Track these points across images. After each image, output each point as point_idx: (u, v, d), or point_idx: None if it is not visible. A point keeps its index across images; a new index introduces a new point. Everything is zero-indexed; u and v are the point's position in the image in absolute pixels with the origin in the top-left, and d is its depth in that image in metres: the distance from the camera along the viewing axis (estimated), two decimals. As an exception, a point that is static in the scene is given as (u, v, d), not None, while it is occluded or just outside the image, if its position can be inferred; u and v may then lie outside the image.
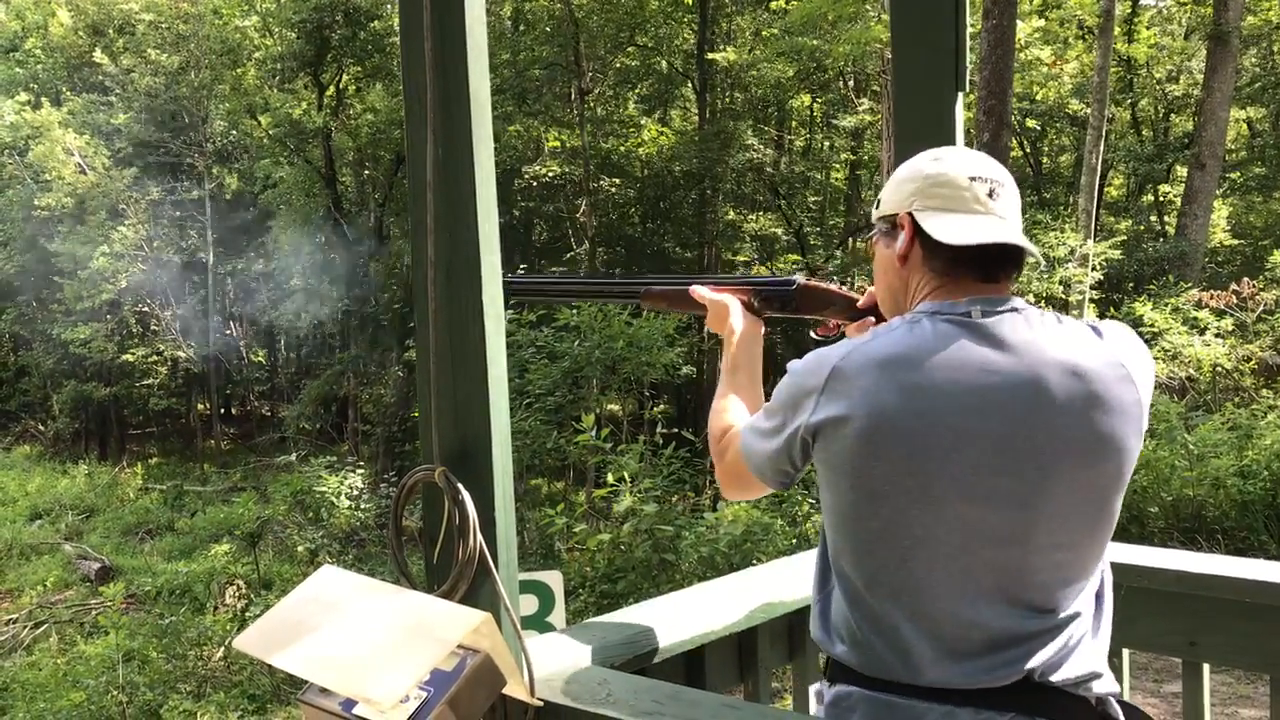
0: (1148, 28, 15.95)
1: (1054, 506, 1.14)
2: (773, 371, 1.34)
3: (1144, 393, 1.18)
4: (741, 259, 17.34)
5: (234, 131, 19.51)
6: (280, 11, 16.78)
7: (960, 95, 1.67)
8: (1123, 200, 17.22)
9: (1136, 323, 9.96)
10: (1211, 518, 6.88)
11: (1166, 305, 9.99)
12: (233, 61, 18.04)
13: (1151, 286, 11.42)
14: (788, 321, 1.65)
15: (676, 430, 8.91)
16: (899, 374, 1.14)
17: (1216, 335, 9.54)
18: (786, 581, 1.82)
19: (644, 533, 6.55)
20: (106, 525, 14.94)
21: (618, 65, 16.99)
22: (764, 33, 16.25)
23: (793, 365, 1.26)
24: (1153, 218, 16.08)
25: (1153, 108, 17.15)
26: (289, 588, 1.34)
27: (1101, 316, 11.02)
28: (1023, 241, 1.22)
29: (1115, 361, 1.16)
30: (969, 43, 1.71)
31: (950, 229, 1.21)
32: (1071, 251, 10.49)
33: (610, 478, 7.02)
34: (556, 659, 1.45)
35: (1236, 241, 16.05)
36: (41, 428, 21.93)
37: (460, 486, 1.35)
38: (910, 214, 1.26)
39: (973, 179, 1.24)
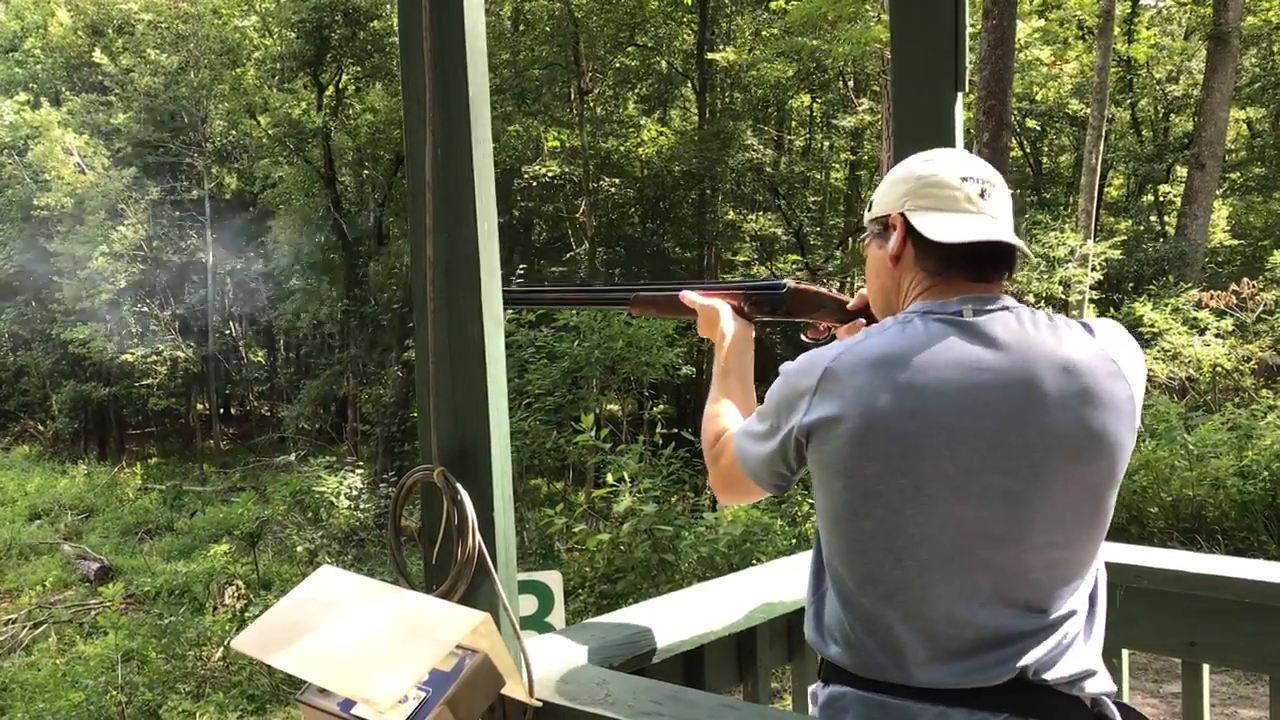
0: (1148, 28, 15.95)
1: (1048, 504, 1.14)
2: (773, 372, 1.34)
3: (1136, 389, 1.19)
4: (741, 259, 17.34)
5: (233, 131, 19.51)
6: (280, 11, 16.78)
7: (960, 95, 1.67)
8: (1123, 200, 17.22)
9: (1136, 323, 9.96)
10: (1211, 518, 6.88)
11: (1166, 305, 9.99)
12: (232, 61, 18.03)
13: (1151, 287, 11.42)
14: (784, 324, 1.65)
15: (676, 430, 8.90)
16: (891, 373, 1.15)
17: (1216, 335, 9.54)
18: (786, 582, 1.81)
19: (643, 533, 6.55)
20: (106, 525, 14.94)
21: (617, 65, 16.99)
22: (764, 33, 16.25)
23: (785, 367, 1.26)
24: (1153, 218, 16.08)
25: (1153, 108, 17.15)
26: (288, 588, 1.34)
27: (1101, 316, 11.02)
28: (1014, 240, 1.23)
29: (1106, 358, 1.17)
30: (969, 43, 1.71)
31: (942, 227, 1.22)
32: (1071, 252, 10.49)
33: (610, 478, 7.02)
34: (555, 659, 1.45)
35: (1236, 242, 16.05)
36: (41, 428, 21.92)
37: (459, 486, 1.35)
38: (902, 214, 1.26)
39: (964, 179, 1.25)
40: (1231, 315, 9.67)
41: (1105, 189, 15.41)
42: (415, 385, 1.45)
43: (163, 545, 13.63)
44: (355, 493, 12.46)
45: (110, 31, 20.00)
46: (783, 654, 1.81)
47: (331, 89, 17.63)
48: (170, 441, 21.89)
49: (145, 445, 21.93)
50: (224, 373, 21.89)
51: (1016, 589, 1.15)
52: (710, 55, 15.91)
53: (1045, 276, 10.31)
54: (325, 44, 16.63)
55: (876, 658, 1.18)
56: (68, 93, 20.94)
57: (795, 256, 16.97)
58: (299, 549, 11.15)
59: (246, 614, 8.51)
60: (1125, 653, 1.85)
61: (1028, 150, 17.51)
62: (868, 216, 1.35)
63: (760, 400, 1.34)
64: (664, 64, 17.22)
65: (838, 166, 18.89)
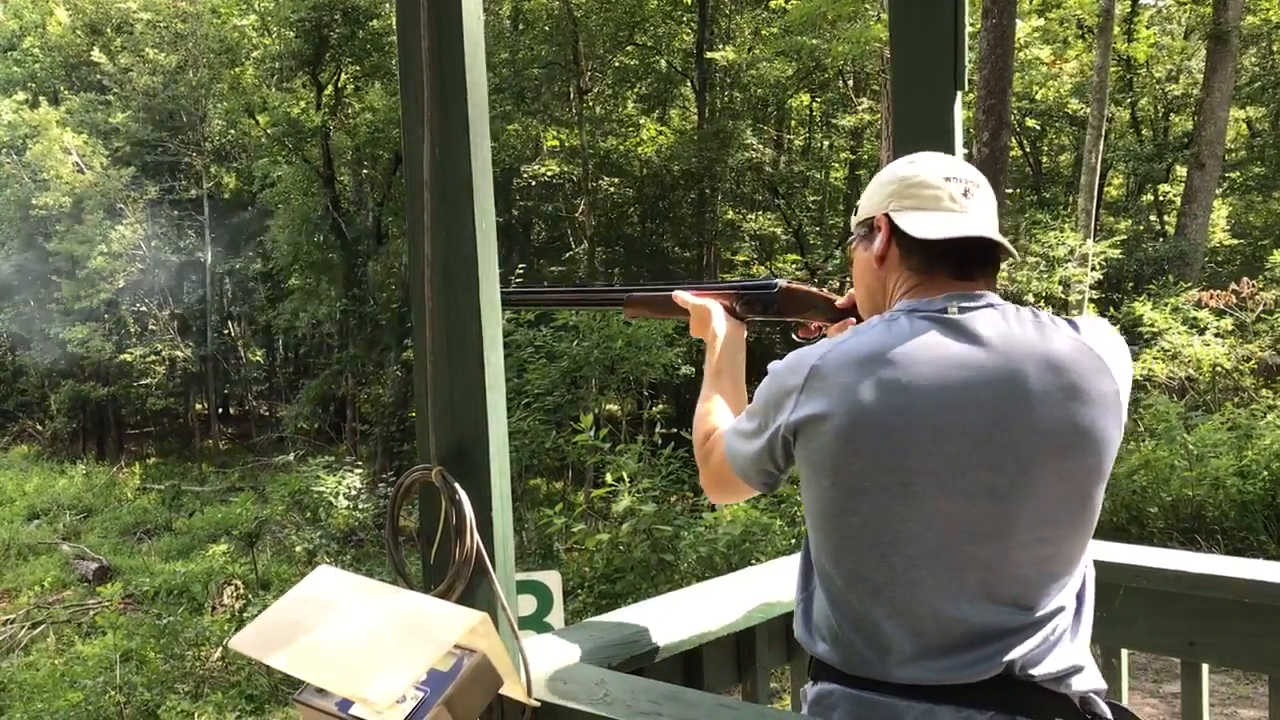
0: (1147, 27, 15.95)
1: (1035, 500, 1.14)
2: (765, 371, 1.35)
3: (1122, 385, 1.19)
4: (741, 258, 17.34)
5: (232, 130, 19.50)
6: (278, 10, 16.76)
7: (959, 94, 1.67)
8: (1122, 200, 17.22)
9: (1136, 322, 9.97)
10: (1211, 518, 6.88)
11: (1166, 305, 10.00)
12: (231, 60, 18.02)
13: (1151, 286, 11.42)
14: (777, 324, 1.65)
15: (675, 430, 8.90)
16: (877, 371, 1.15)
17: (1216, 335, 9.54)
18: (785, 581, 1.81)
19: (642, 533, 6.55)
20: (104, 525, 14.93)
21: (616, 64, 16.99)
22: (763, 32, 16.25)
23: (773, 366, 1.27)
24: (1152, 217, 16.08)
25: (1152, 107, 17.15)
26: (287, 588, 1.34)
27: (1101, 316, 11.02)
28: (997, 237, 1.24)
29: (1092, 354, 1.17)
30: (968, 42, 1.70)
31: (924, 225, 1.23)
32: (1071, 251, 10.50)
33: (609, 478, 7.01)
34: (554, 659, 1.44)
35: (1236, 241, 16.06)
36: (39, 427, 21.91)
37: (457, 486, 1.35)
38: (887, 215, 1.28)
39: (947, 179, 1.26)
40: (1231, 315, 9.67)
41: (1105, 188, 15.41)
42: (413, 385, 1.45)
43: (161, 545, 13.62)
44: (354, 493, 12.46)
45: (109, 30, 20.00)
46: (781, 654, 1.80)
47: (330, 88, 17.62)
48: (169, 441, 21.89)
49: (144, 445, 21.92)
50: (223, 372, 21.89)
51: (1004, 585, 1.15)
52: (710, 54, 15.91)
53: (1045, 276, 10.32)
54: (324, 43, 16.62)
55: (863, 654, 1.18)
56: (66, 92, 20.94)
57: (795, 256, 16.97)
58: (298, 549, 11.15)
59: (245, 614, 8.50)
60: (1124, 652, 1.84)
61: (1027, 150, 17.52)
62: (854, 220, 1.37)
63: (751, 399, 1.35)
64: (663, 63, 17.22)
65: (837, 166, 18.90)
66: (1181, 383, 9.56)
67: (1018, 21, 10.61)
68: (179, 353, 19.43)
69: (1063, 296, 10.25)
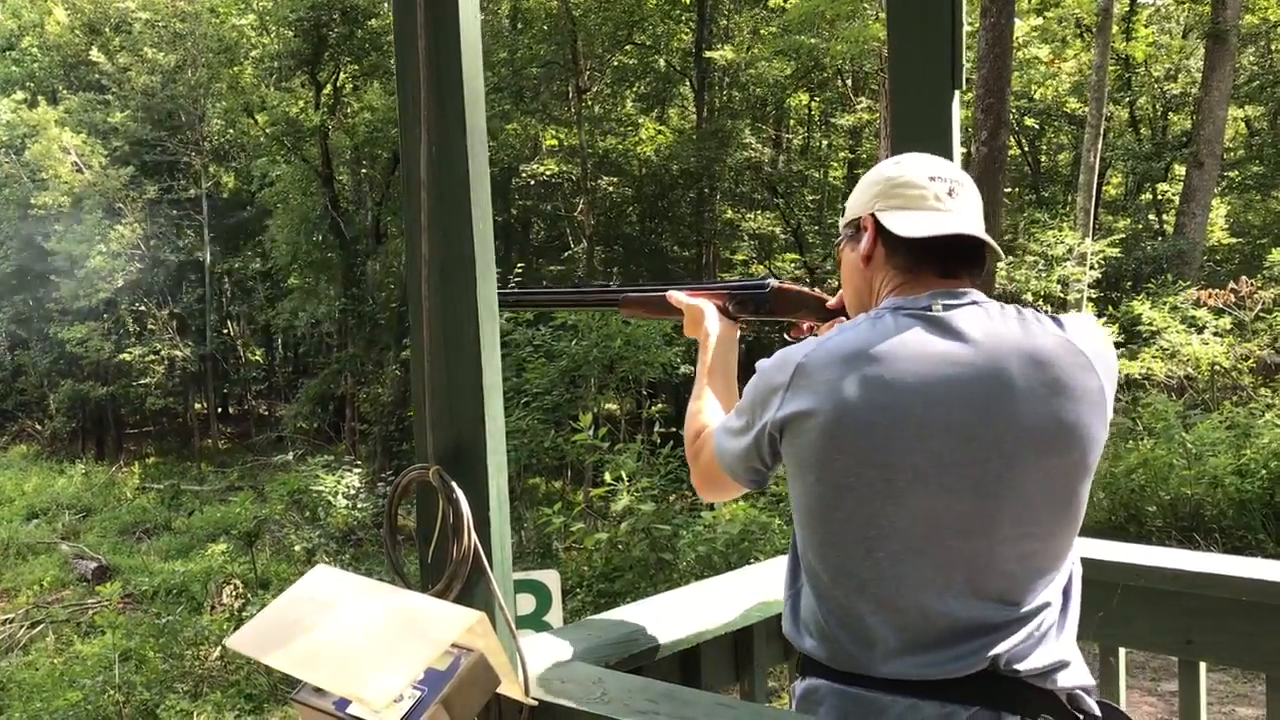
0: (1146, 26, 15.95)
1: (1019, 495, 1.15)
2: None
3: (1107, 381, 1.19)
4: (739, 258, 17.34)
5: (231, 130, 19.48)
6: (277, 10, 16.75)
7: (957, 93, 1.67)
8: (1121, 199, 17.23)
9: (1135, 321, 9.97)
10: (1209, 516, 6.88)
11: (1165, 304, 10.00)
12: (229, 60, 18.00)
13: (1150, 285, 11.42)
14: (769, 323, 1.66)
15: (674, 429, 8.90)
16: (861, 368, 1.16)
17: (1215, 334, 9.54)
18: (782, 581, 1.81)
19: (641, 532, 6.55)
20: (103, 525, 14.93)
21: (615, 64, 16.98)
22: (762, 31, 16.24)
23: (761, 364, 1.28)
24: (1151, 216, 16.09)
25: (1151, 106, 17.16)
26: (286, 587, 1.34)
27: (1100, 315, 11.04)
28: (983, 235, 1.24)
29: (1075, 350, 1.18)
30: (966, 41, 1.70)
31: (909, 224, 1.24)
32: (1070, 250, 10.50)
33: (608, 477, 7.01)
34: (551, 658, 1.44)
35: (1235, 240, 16.06)
36: (38, 427, 21.90)
37: (455, 485, 1.35)
38: (873, 215, 1.29)
39: (931, 178, 1.27)
40: (1230, 313, 9.67)
41: (1103, 187, 15.41)
42: (411, 384, 1.45)
43: (160, 545, 13.62)
44: (353, 492, 12.46)
45: (107, 30, 19.98)
46: (779, 653, 1.80)
47: (329, 87, 17.60)
48: (168, 441, 21.88)
49: (143, 445, 21.91)
50: (222, 372, 21.88)
51: (989, 580, 1.16)
52: (708, 54, 15.90)
53: (1044, 275, 10.32)
54: (323, 42, 16.60)
55: (849, 650, 1.19)
56: (65, 91, 20.92)
57: (793, 255, 16.97)
58: (297, 548, 11.15)
59: (244, 613, 8.51)
60: (1122, 651, 1.84)
61: (1026, 149, 17.52)
62: (842, 221, 1.38)
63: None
64: (662, 62, 17.21)
65: (836, 165, 18.89)
66: (1180, 381, 9.56)
67: (1016, 20, 10.61)
68: (178, 352, 19.42)
69: (1061, 295, 10.26)
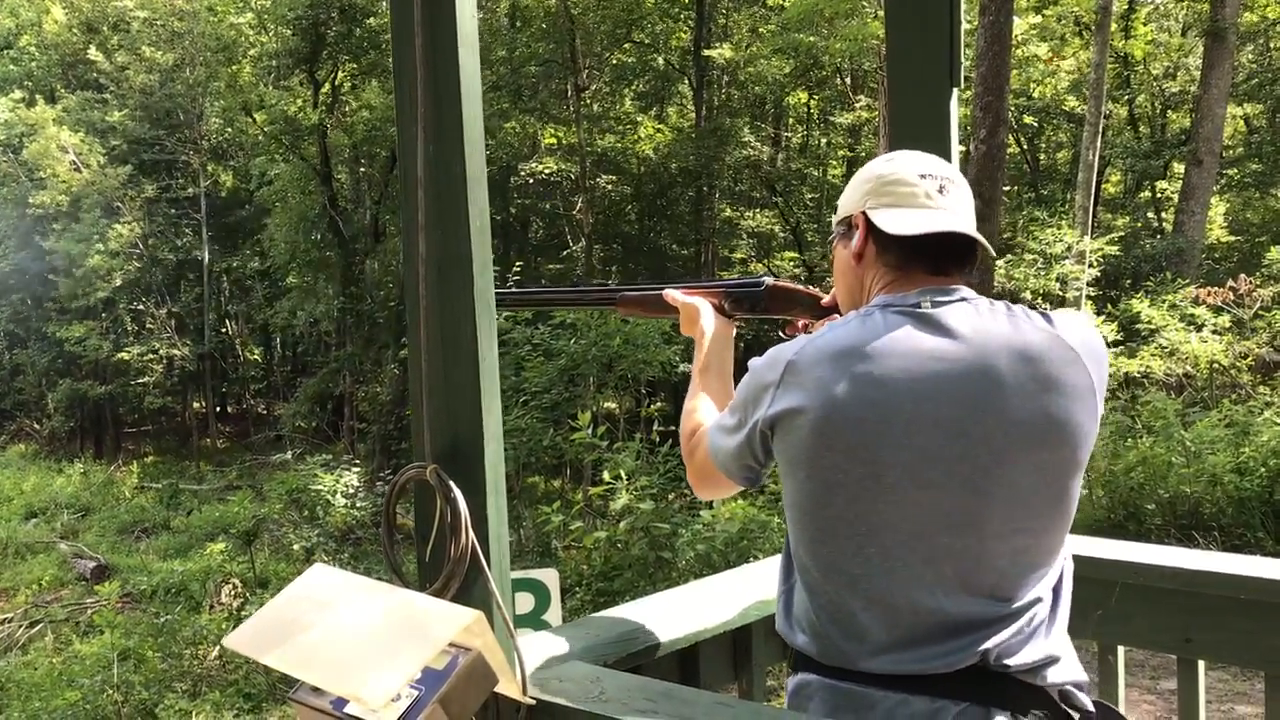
0: (1145, 24, 15.95)
1: (1008, 491, 1.15)
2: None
3: (1096, 376, 1.19)
4: (738, 256, 17.34)
5: (229, 129, 19.47)
6: (275, 8, 16.73)
7: (955, 91, 1.67)
8: (1120, 197, 17.23)
9: (1134, 319, 9.96)
10: (1208, 514, 6.88)
11: (1164, 302, 10.00)
12: (228, 58, 17.98)
13: (1149, 283, 11.42)
14: (764, 320, 1.66)
15: (673, 428, 8.88)
16: (851, 365, 1.17)
17: (1214, 332, 9.54)
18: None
19: (640, 530, 6.54)
20: (102, 524, 14.92)
21: (614, 62, 16.98)
22: (761, 29, 16.24)
23: (753, 362, 1.29)
24: (1150, 214, 16.09)
25: (1150, 104, 17.16)
26: (285, 586, 1.34)
27: (1099, 313, 11.04)
28: (973, 233, 1.25)
29: (1064, 345, 1.18)
30: (965, 38, 1.70)
31: (899, 221, 1.25)
32: (1069, 248, 10.50)
33: (607, 475, 7.01)
34: (549, 656, 1.44)
35: (1234, 238, 16.07)
36: (37, 426, 21.89)
37: (452, 484, 1.35)
38: (864, 213, 1.29)
39: (922, 176, 1.28)
40: (1229, 311, 9.67)
41: (1103, 185, 15.43)
42: (408, 382, 1.45)
43: (159, 544, 13.61)
44: (352, 491, 12.45)
45: (105, 29, 19.96)
46: (778, 652, 1.80)
47: (327, 86, 17.59)
48: (166, 440, 21.87)
49: (141, 444, 21.91)
50: (220, 371, 21.88)
51: (980, 576, 1.16)
52: (707, 52, 15.89)
53: (1042, 273, 10.32)
54: (321, 41, 16.59)
55: (840, 645, 1.20)
56: (63, 90, 20.90)
57: (792, 254, 16.97)
58: (295, 547, 11.14)
59: (243, 612, 8.51)
60: (1121, 649, 1.84)
61: (1025, 147, 17.52)
62: (835, 219, 1.38)
63: None
64: (661, 61, 17.20)
65: (835, 163, 18.89)
66: (1179, 379, 9.57)
67: (1015, 18, 10.61)
68: (176, 351, 19.41)
69: (1060, 294, 10.26)
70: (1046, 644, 1.19)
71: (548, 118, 16.37)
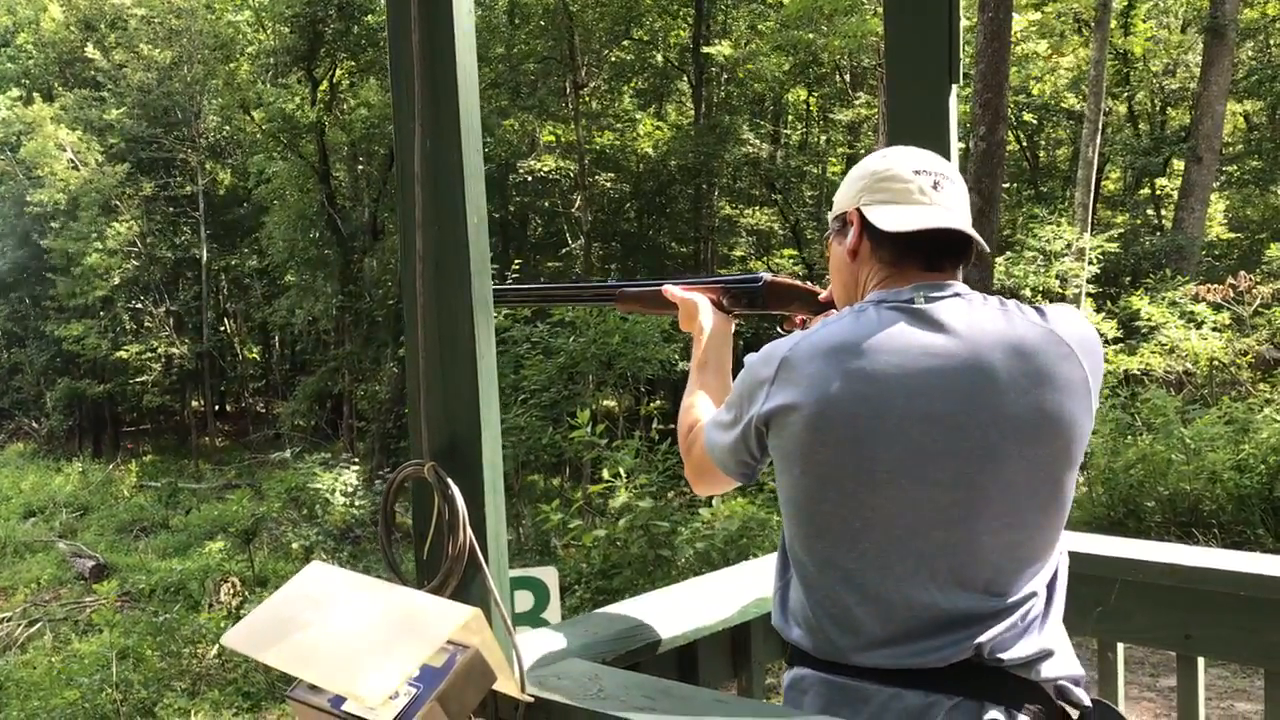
0: (1144, 21, 15.93)
1: (1002, 485, 1.15)
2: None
3: (1091, 371, 1.19)
4: (738, 254, 17.33)
5: (227, 127, 19.46)
6: (273, 6, 16.72)
7: (954, 87, 1.66)
8: (1120, 194, 17.23)
9: (1133, 316, 9.97)
10: (1208, 511, 6.89)
11: (1163, 299, 10.00)
12: (225, 56, 17.97)
13: (1148, 280, 11.42)
14: (762, 316, 1.66)
15: (672, 426, 8.86)
16: (844, 360, 1.17)
17: (1213, 329, 9.54)
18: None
19: (640, 528, 6.54)
20: (101, 523, 14.92)
21: (613, 59, 16.96)
22: (760, 26, 16.22)
23: (748, 358, 1.29)
24: (1149, 211, 16.09)
25: (1149, 101, 17.15)
26: (283, 585, 1.35)
27: (1098, 310, 11.03)
28: (967, 229, 1.25)
29: (1058, 340, 1.18)
30: (964, 35, 1.70)
31: (893, 218, 1.25)
32: (1068, 245, 10.50)
33: (606, 474, 7.01)
34: (547, 654, 1.44)
35: (1233, 235, 16.06)
36: (35, 425, 21.89)
37: (450, 482, 1.34)
38: (859, 209, 1.30)
39: (917, 172, 1.28)
40: (1228, 309, 9.67)
41: (1102, 182, 15.42)
42: (406, 380, 1.44)
43: (158, 543, 13.62)
44: (351, 489, 12.45)
45: (103, 26, 19.94)
46: (777, 649, 1.80)
47: (325, 84, 17.57)
48: (165, 439, 21.87)
49: (140, 443, 21.91)
50: (219, 369, 21.87)
51: (974, 571, 1.16)
52: (706, 49, 15.87)
53: (1042, 270, 10.32)
54: (319, 38, 16.57)
55: (834, 640, 1.21)
56: (60, 88, 20.88)
57: (792, 251, 16.96)
58: (294, 546, 11.14)
59: (242, 611, 8.51)
60: (1121, 646, 1.84)
61: (1024, 144, 17.52)
62: (830, 215, 1.39)
63: None
64: (660, 58, 17.19)
65: (834, 160, 18.87)
66: (1179, 377, 9.57)
67: (1014, 15, 10.59)
68: (175, 350, 19.40)
69: (1060, 291, 10.26)
70: (1041, 639, 1.19)
71: (546, 115, 16.36)
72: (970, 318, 1.19)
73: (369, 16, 16.17)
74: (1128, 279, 12.99)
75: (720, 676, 1.72)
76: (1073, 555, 1.29)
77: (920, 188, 1.27)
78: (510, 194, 17.29)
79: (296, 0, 15.74)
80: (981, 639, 1.15)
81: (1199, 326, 9.58)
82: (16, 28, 22.44)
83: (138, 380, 19.28)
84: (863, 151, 17.46)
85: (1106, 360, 9.38)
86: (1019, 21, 12.50)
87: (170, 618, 8.75)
